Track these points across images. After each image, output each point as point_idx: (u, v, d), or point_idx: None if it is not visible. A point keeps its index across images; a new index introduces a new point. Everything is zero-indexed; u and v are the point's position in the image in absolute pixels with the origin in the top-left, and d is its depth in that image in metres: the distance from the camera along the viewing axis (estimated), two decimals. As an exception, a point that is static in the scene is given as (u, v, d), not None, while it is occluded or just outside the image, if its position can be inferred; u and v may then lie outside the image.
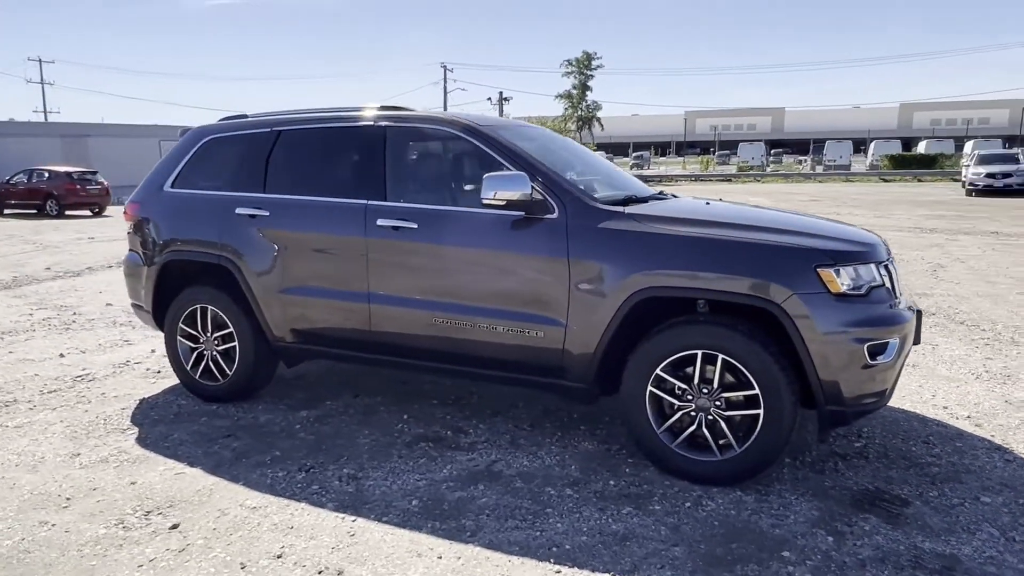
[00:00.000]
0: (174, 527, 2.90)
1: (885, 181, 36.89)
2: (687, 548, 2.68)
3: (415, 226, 3.65)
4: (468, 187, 3.89)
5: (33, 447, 3.75)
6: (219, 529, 2.88)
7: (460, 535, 2.80)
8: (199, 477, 3.37)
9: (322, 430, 3.93)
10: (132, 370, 5.15)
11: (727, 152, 67.84)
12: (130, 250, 4.69)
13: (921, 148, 46.05)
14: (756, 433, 3.06)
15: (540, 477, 3.31)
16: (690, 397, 3.17)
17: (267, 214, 4.04)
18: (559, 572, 2.55)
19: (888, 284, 3.18)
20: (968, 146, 41.53)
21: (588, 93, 50.99)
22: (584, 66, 49.63)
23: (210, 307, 4.27)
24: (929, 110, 77.08)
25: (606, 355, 3.30)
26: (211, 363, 4.34)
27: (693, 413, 3.18)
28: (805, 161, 54.06)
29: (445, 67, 53.45)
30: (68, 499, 3.16)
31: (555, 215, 3.38)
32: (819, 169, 44.61)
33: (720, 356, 3.07)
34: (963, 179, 26.11)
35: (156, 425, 4.05)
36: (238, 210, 4.13)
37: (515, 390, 4.48)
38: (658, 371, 3.20)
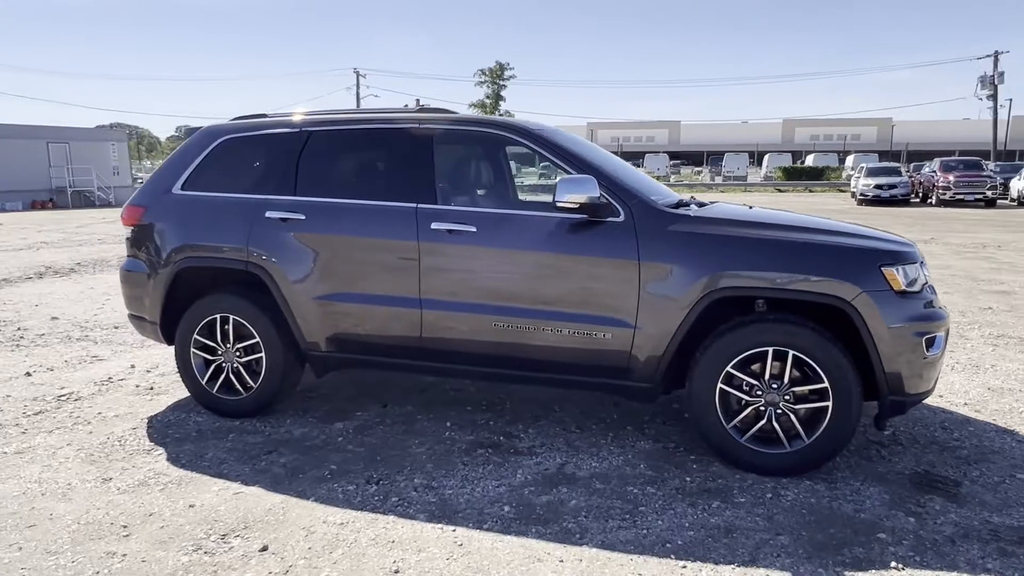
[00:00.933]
0: (263, 549, 2.73)
1: (780, 191, 39.39)
2: (791, 536, 2.79)
3: (474, 229, 3.60)
4: (522, 190, 3.87)
5: (51, 474, 3.41)
6: (315, 548, 2.73)
7: (570, 538, 2.80)
8: (263, 496, 3.18)
9: (368, 441, 3.80)
10: (119, 387, 4.77)
11: (632, 163, 70.20)
12: (129, 257, 4.35)
13: (809, 161, 49.57)
14: (824, 425, 3.22)
15: (615, 477, 3.34)
16: (759, 393, 3.31)
17: (302, 217, 3.87)
18: (684, 567, 2.60)
19: (928, 283, 3.45)
20: (850, 160, 45.28)
21: (501, 103, 51.47)
22: (497, 76, 50.12)
23: (232, 316, 4.03)
24: (808, 126, 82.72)
25: (675, 355, 3.38)
26: (232, 376, 4.09)
27: (762, 408, 3.31)
28: (702, 172, 56.96)
29: (358, 72, 52.49)
30: (125, 527, 2.91)
31: (621, 218, 3.44)
32: (718, 179, 47.13)
33: (791, 352, 3.22)
34: (853, 190, 28.36)
35: (182, 444, 3.77)
36: (268, 213, 3.93)
37: (546, 393, 4.50)
38: (728, 368, 3.31)
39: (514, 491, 3.20)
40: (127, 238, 4.36)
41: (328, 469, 3.45)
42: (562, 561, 2.63)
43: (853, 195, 28.02)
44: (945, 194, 23.76)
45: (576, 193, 3.35)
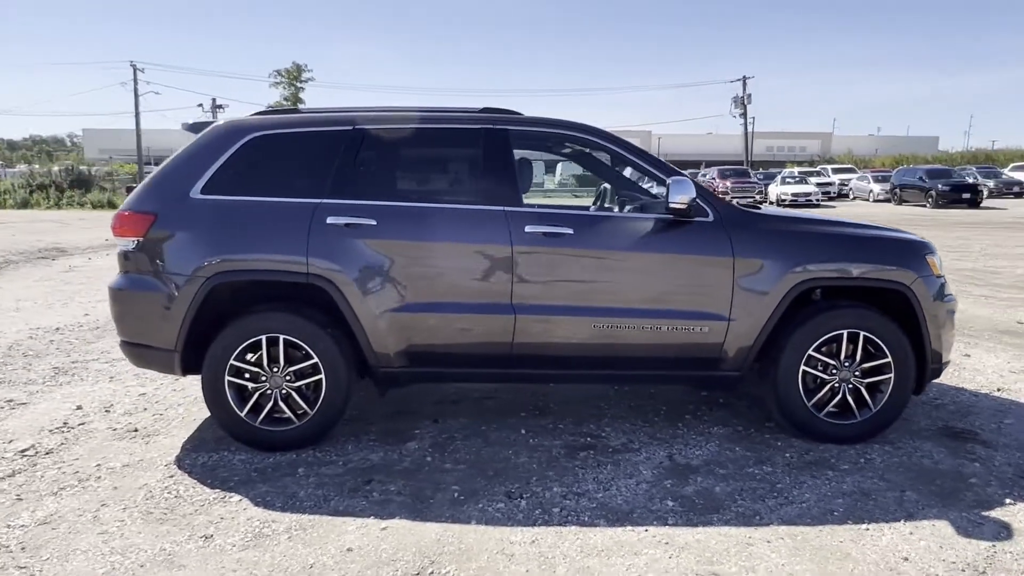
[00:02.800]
0: (479, 579, 2.53)
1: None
2: (915, 492, 3.21)
3: (571, 231, 3.59)
4: (604, 191, 3.92)
5: (121, 541, 2.80)
6: (533, 570, 2.59)
7: (753, 520, 2.95)
8: (415, 527, 2.90)
9: (462, 458, 3.60)
10: (90, 434, 3.96)
11: None
12: (129, 273, 3.65)
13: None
14: (888, 395, 3.72)
15: (727, 462, 3.55)
16: (834, 371, 3.72)
17: (373, 223, 3.55)
18: (867, 528, 2.88)
19: None
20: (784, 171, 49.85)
21: (300, 106, 48.40)
22: (294, 77, 47.40)
23: (282, 336, 3.57)
24: (764, 139, 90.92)
25: (765, 343, 3.68)
26: (282, 404, 3.62)
27: (837, 384, 3.73)
28: None
29: (135, 66, 46.50)
30: (302, 584, 2.51)
31: (710, 218, 3.66)
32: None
33: (862, 333, 3.68)
34: (774, 196, 30.63)
35: (254, 486, 3.28)
36: (330, 219, 3.55)
37: (583, 391, 4.58)
38: (810, 351, 3.68)
39: (656, 486, 3.27)
40: (126, 252, 3.64)
41: (451, 491, 3.23)
42: (769, 542, 2.78)
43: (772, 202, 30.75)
44: (724, 198, 27.33)
45: (684, 194, 3.50)
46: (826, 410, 3.74)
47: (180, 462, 3.56)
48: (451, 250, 3.60)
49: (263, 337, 3.57)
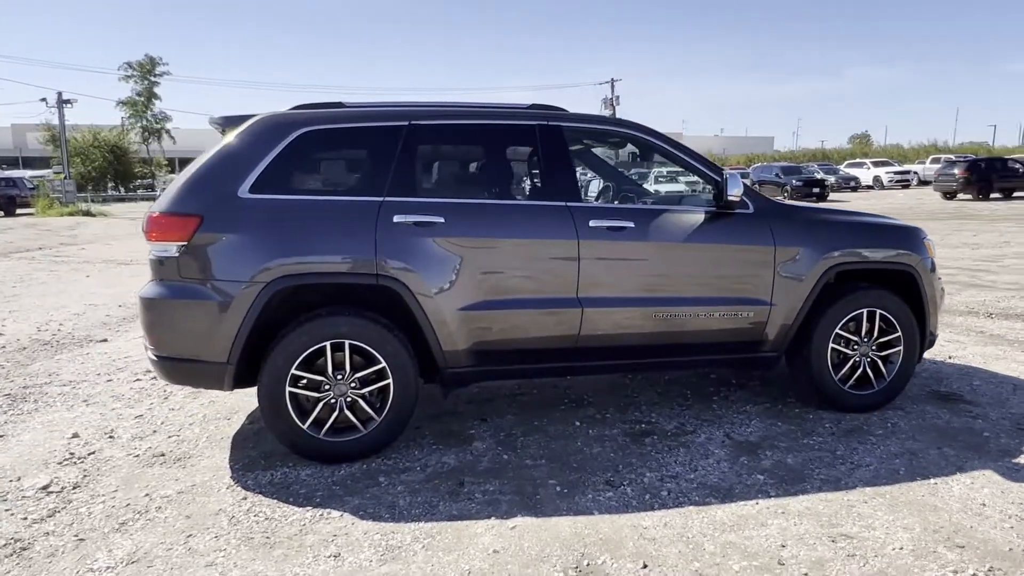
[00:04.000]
0: (644, 567, 2.58)
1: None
2: (950, 448, 3.62)
3: (632, 225, 3.70)
4: (653, 185, 4.04)
5: (236, 572, 2.58)
6: (684, 552, 2.68)
7: (839, 485, 3.20)
8: (544, 523, 2.89)
9: (535, 453, 3.61)
10: (110, 465, 3.58)
11: None
12: (170, 281, 3.32)
13: None
14: (898, 366, 4.15)
15: (781, 436, 3.81)
16: (856, 347, 4.10)
17: (441, 220, 3.47)
18: (934, 483, 3.22)
19: None
20: None
21: (156, 101, 44.77)
22: (147, 71, 43.47)
23: (348, 341, 3.40)
24: None
25: (805, 325, 3.98)
26: (348, 412, 3.45)
27: (858, 359, 4.11)
28: None
29: None
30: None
31: (751, 210, 3.91)
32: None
33: (879, 312, 4.08)
34: None
35: (342, 500, 3.12)
36: (397, 218, 3.43)
37: (606, 380, 4.71)
38: (836, 330, 4.04)
39: (735, 463, 3.46)
40: (165, 258, 3.31)
41: (551, 486, 3.24)
42: (866, 503, 3.04)
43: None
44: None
45: (737, 188, 3.72)
46: (849, 383, 4.11)
47: (243, 483, 3.30)
48: (519, 246, 3.59)
49: (327, 344, 3.38)
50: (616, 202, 4.72)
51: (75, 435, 3.93)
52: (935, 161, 36.40)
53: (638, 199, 4.82)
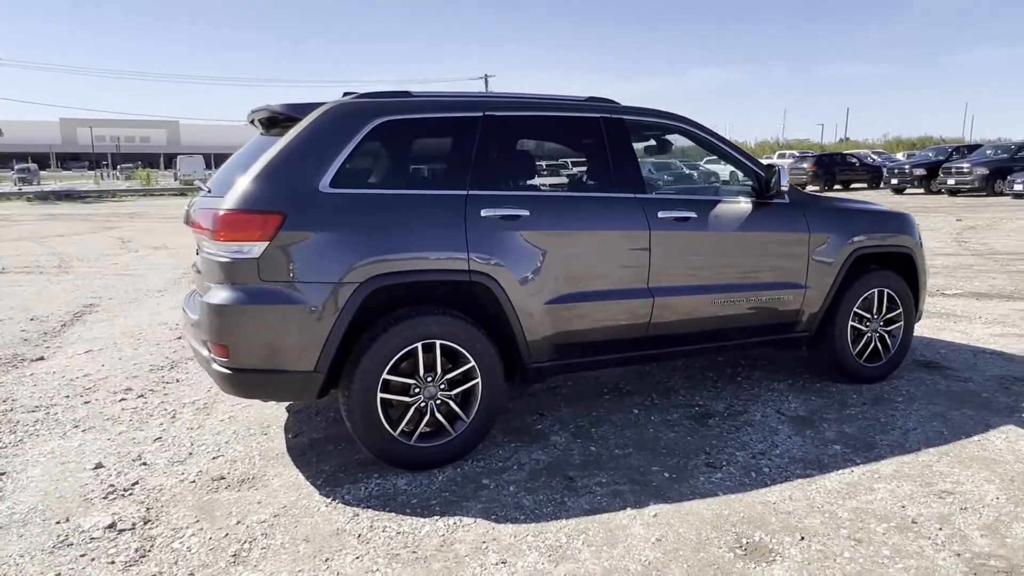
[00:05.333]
0: (802, 539, 2.71)
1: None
2: (968, 409, 4.06)
3: (695, 215, 3.83)
4: (700, 176, 4.17)
5: (417, 587, 2.43)
6: (828, 523, 2.84)
7: (907, 447, 3.51)
8: (681, 508, 2.94)
9: (619, 442, 3.64)
10: (171, 493, 3.21)
11: (130, 165, 63.56)
12: (248, 285, 3.02)
13: None
14: (900, 339, 4.60)
15: (823, 408, 4.09)
16: (868, 323, 4.49)
17: (527, 213, 3.41)
18: (978, 439, 3.61)
19: None
20: None
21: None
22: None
23: (439, 342, 3.26)
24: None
25: (831, 306, 4.30)
26: (440, 416, 3.32)
27: (869, 335, 4.51)
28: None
29: None
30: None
31: (787, 200, 4.17)
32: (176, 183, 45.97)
33: (886, 291, 4.50)
34: None
35: (461, 506, 3.00)
36: (484, 211, 3.32)
37: (631, 369, 4.83)
38: (855, 309, 4.40)
39: (803, 436, 3.68)
40: (240, 259, 3.00)
41: (657, 473, 3.30)
42: (939, 460, 3.37)
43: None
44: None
45: (785, 179, 3.95)
46: (864, 357, 4.49)
47: (340, 499, 3.07)
48: (597, 238, 3.60)
49: (418, 345, 3.22)
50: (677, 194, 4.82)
51: (99, 465, 3.46)
52: (781, 156, 39.95)
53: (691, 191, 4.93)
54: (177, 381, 4.89)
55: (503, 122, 3.55)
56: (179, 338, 6.08)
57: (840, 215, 4.35)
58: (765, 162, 4.19)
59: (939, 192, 23.77)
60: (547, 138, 3.88)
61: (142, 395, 4.57)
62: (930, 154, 27.60)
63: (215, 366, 3.12)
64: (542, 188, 3.61)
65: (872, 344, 4.50)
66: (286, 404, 4.32)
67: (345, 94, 3.56)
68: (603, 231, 3.62)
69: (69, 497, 3.14)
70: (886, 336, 4.55)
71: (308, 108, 3.27)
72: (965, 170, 22.64)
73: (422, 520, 2.88)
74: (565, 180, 3.83)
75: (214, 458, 3.55)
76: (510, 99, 3.64)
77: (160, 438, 3.83)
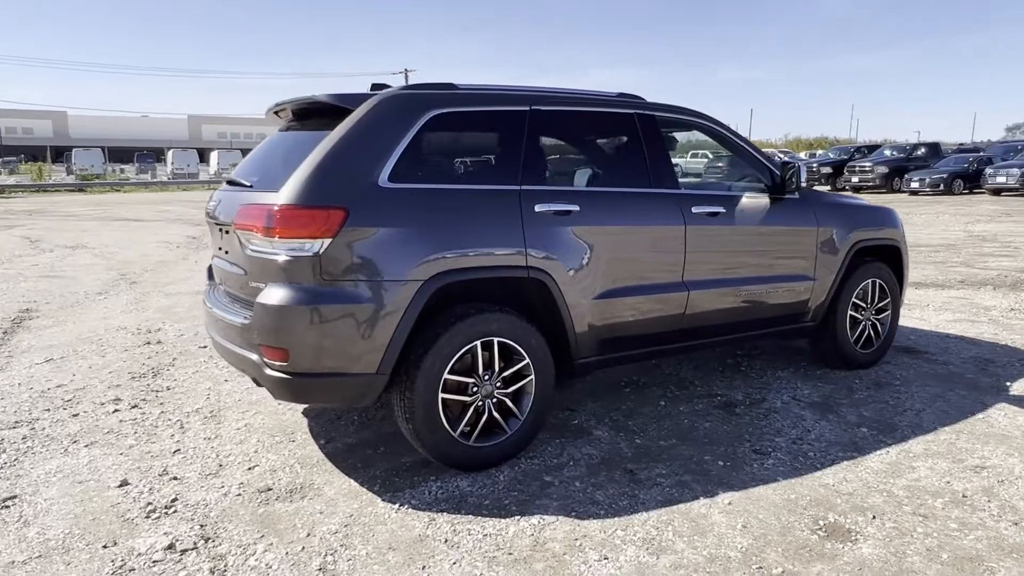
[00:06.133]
0: (873, 519, 2.84)
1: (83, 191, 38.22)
2: (960, 389, 4.36)
3: (723, 210, 3.93)
4: (719, 171, 4.27)
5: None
6: (895, 501, 2.99)
7: (925, 428, 3.73)
8: (751, 495, 3.02)
9: (660, 434, 3.70)
10: (218, 509, 3.01)
11: (13, 159, 59.04)
12: (308, 284, 2.86)
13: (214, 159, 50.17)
14: (888, 326, 4.90)
15: (835, 394, 4.29)
16: (863, 312, 4.75)
17: (577, 209, 3.40)
18: (981, 416, 3.89)
19: None
20: (213, 156, 47.97)
21: None
22: None
23: (497, 339, 3.21)
24: (215, 123, 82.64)
25: (834, 297, 4.52)
26: (497, 414, 3.26)
27: (864, 323, 4.77)
28: (127, 169, 52.10)
29: None
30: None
31: (797, 196, 4.34)
32: (165, 177, 43.49)
33: (878, 281, 4.77)
34: None
35: (535, 505, 2.97)
36: (538, 207, 3.29)
37: (636, 364, 4.91)
38: (854, 299, 4.65)
39: (828, 421, 3.85)
40: (300, 257, 2.84)
41: (708, 462, 3.37)
42: (958, 438, 3.60)
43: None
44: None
45: (805, 175, 4.12)
46: (859, 344, 4.75)
47: (409, 504, 2.97)
48: (641, 233, 3.64)
49: (478, 343, 3.16)
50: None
51: (124, 482, 3.20)
52: (694, 156, 41.54)
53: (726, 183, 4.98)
54: (168, 389, 4.57)
55: (549, 116, 3.52)
56: (148, 343, 5.69)
57: (842, 210, 4.58)
58: (781, 159, 4.35)
59: (844, 189, 25.39)
60: (589, 133, 3.88)
61: (135, 405, 4.25)
62: (831, 154, 29.46)
63: (269, 371, 2.94)
64: (587, 183, 3.60)
65: (866, 332, 4.76)
66: (302, 409, 4.14)
67: (373, 86, 3.43)
68: (645, 226, 3.66)
69: (105, 519, 2.89)
70: (877, 324, 4.83)
71: (358, 99, 3.13)
72: (867, 169, 24.31)
73: (504, 521, 2.83)
74: (609, 175, 3.83)
75: (249, 468, 3.36)
76: (553, 94, 3.61)
77: (179, 450, 3.58)
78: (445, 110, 3.22)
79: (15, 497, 3.08)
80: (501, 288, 3.30)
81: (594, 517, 2.85)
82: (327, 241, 2.84)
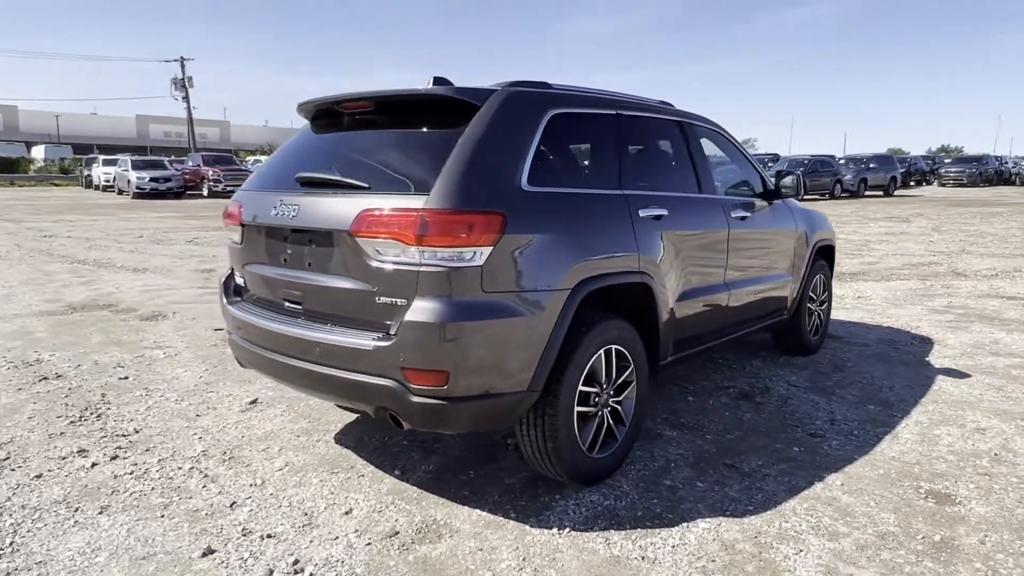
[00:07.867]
0: (959, 483, 3.25)
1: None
2: (902, 367, 5.09)
3: (749, 215, 4.21)
4: (731, 179, 4.51)
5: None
6: (965, 464, 3.43)
7: (915, 401, 4.33)
8: (855, 471, 3.28)
9: (721, 427, 3.86)
10: (327, 530, 2.60)
11: None
12: (479, 297, 2.58)
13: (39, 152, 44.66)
14: (827, 315, 5.58)
15: (820, 378, 4.79)
16: (814, 303, 5.36)
17: (666, 213, 3.44)
18: (941, 388, 4.62)
19: None
20: (38, 151, 43.34)
21: None
22: None
23: (615, 347, 3.15)
24: (161, 123, 74.06)
25: (801, 292, 5.05)
26: (611, 423, 3.20)
27: (816, 314, 5.39)
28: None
29: None
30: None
31: (781, 200, 4.79)
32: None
33: (822, 277, 5.42)
34: (105, 183, 27.80)
35: (670, 510, 2.97)
36: (642, 212, 3.28)
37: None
38: (809, 293, 5.24)
39: (839, 403, 4.30)
40: (460, 267, 2.53)
41: (784, 451, 3.59)
42: (940, 406, 4.23)
43: (110, 189, 27.50)
44: (217, 186, 25.96)
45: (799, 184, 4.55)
46: (812, 333, 5.36)
47: (566, 527, 2.80)
48: (706, 237, 3.78)
49: (601, 351, 3.07)
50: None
51: (209, 551, 2.60)
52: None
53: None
54: (137, 432, 3.78)
55: (632, 121, 3.52)
56: (43, 379, 4.62)
57: (806, 214, 5.13)
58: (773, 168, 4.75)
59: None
60: (655, 139, 3.90)
61: (115, 457, 3.46)
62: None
63: (417, 398, 2.58)
64: (669, 188, 3.65)
65: (815, 321, 5.38)
66: (331, 438, 3.67)
67: (435, 80, 3.16)
68: (707, 230, 3.81)
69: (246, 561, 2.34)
70: (820, 313, 5.48)
71: (483, 95, 2.87)
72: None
73: (672, 529, 2.79)
74: (674, 181, 3.89)
75: (346, 513, 2.92)
76: (629, 100, 3.60)
77: (235, 503, 2.99)
78: (562, 110, 3.08)
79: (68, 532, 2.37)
80: (619, 294, 3.23)
81: (748, 513, 2.92)
82: (488, 250, 2.58)
